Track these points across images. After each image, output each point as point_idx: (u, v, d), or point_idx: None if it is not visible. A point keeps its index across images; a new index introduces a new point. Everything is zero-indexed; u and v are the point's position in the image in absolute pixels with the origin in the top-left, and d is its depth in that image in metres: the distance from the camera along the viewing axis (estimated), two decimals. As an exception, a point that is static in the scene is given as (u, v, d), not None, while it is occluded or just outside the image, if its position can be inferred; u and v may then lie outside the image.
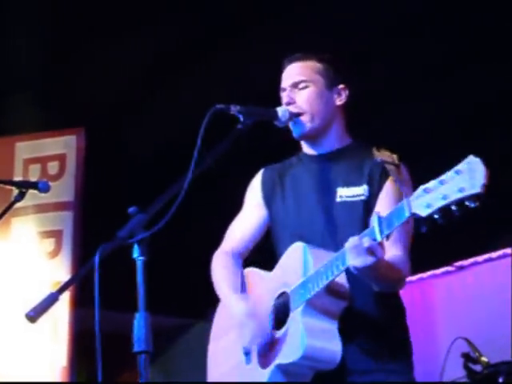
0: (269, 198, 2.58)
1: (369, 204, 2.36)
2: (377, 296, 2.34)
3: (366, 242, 2.06)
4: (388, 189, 2.35)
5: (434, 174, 2.51)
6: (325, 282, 2.20)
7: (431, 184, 1.91)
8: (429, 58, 4.35)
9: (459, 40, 4.20)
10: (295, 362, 2.22)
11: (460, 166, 1.88)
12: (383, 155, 2.04)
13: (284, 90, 2.53)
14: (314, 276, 2.24)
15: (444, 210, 1.89)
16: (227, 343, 2.53)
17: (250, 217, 2.63)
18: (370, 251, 2.06)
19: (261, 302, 2.42)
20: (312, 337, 2.21)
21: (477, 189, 1.84)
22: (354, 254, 2.08)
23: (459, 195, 1.86)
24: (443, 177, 1.90)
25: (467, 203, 1.86)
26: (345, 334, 2.28)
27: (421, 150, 4.33)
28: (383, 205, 2.31)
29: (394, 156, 2.04)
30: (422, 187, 1.93)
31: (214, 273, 2.60)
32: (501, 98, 4.52)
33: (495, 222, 5.27)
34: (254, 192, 2.64)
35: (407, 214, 1.96)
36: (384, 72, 4.38)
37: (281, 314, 2.34)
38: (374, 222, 2.06)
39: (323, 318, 2.24)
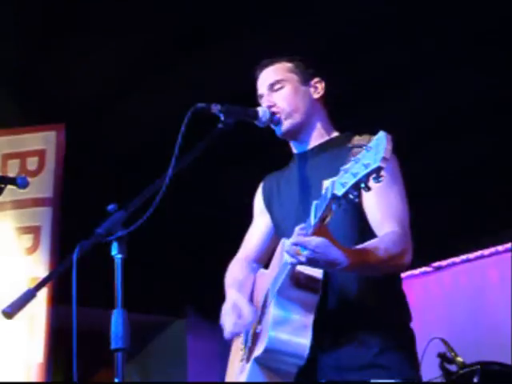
0: (269, 205, 2.65)
1: None
2: (370, 286, 2.34)
3: (295, 235, 2.08)
4: None
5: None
6: (285, 273, 2.22)
7: (349, 164, 1.92)
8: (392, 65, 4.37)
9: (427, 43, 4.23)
10: (263, 355, 2.23)
11: (371, 143, 1.89)
12: (361, 140, 2.04)
13: (261, 96, 2.57)
14: (281, 268, 2.28)
15: (356, 188, 1.90)
16: (236, 347, 2.61)
17: (259, 225, 2.71)
18: (298, 245, 2.07)
19: (258, 301, 2.48)
20: (277, 329, 2.22)
21: (377, 162, 1.84)
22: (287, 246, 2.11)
23: (365, 171, 1.86)
24: (359, 155, 1.90)
25: (373, 180, 1.87)
26: (336, 327, 2.30)
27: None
28: None
29: (372, 138, 2.05)
30: (342, 168, 1.94)
31: (227, 276, 2.69)
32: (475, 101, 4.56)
33: (473, 224, 5.32)
34: (258, 201, 2.72)
35: (329, 196, 1.97)
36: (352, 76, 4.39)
37: (265, 309, 2.37)
38: (312, 208, 2.08)
39: (294, 311, 2.24)
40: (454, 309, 5.75)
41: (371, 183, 1.89)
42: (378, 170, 1.85)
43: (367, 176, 1.87)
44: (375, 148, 1.86)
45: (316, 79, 2.57)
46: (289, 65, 2.56)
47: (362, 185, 1.89)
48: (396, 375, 2.29)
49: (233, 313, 2.43)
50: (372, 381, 2.27)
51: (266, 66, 2.58)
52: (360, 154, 1.90)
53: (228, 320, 2.44)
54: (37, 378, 4.27)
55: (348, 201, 1.94)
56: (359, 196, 1.94)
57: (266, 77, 2.57)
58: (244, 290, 2.56)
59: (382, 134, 1.87)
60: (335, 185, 1.94)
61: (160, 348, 6.79)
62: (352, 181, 1.90)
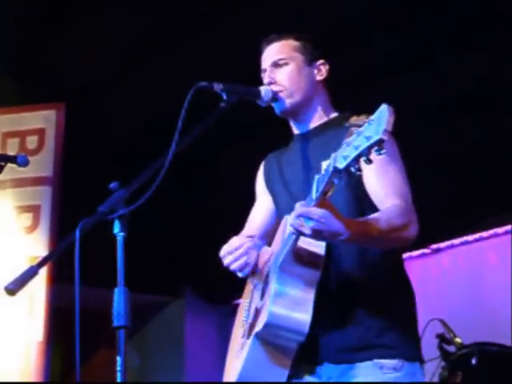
0: (270, 185, 2.66)
1: None
2: (372, 264, 2.35)
3: (298, 208, 2.08)
4: None
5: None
6: (288, 249, 2.22)
7: (352, 137, 1.91)
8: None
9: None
10: (263, 330, 2.24)
11: (372, 116, 1.88)
12: (358, 120, 2.04)
13: (264, 71, 2.56)
14: (283, 244, 2.29)
15: (358, 161, 1.90)
16: (238, 324, 2.61)
17: (261, 205, 2.71)
18: (302, 217, 2.06)
19: (260, 278, 2.48)
20: (279, 304, 2.22)
21: (378, 135, 1.83)
22: (291, 219, 2.11)
23: (367, 143, 1.86)
24: (361, 128, 1.90)
25: (375, 152, 1.86)
26: (337, 306, 2.31)
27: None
28: None
29: (370, 117, 2.05)
30: (344, 141, 1.94)
31: None
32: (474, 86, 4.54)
33: (472, 206, 5.32)
34: (259, 181, 2.73)
35: (331, 169, 1.97)
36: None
37: (266, 285, 2.38)
38: (314, 182, 2.08)
39: (296, 287, 2.24)
40: (452, 290, 5.76)
41: (373, 156, 1.88)
42: (379, 142, 1.84)
43: (369, 148, 1.86)
44: (377, 120, 1.85)
45: (321, 61, 2.56)
46: (296, 43, 2.55)
47: (364, 157, 1.88)
48: (398, 354, 2.30)
49: (231, 245, 2.46)
50: (375, 360, 2.27)
51: (273, 41, 2.57)
52: (363, 126, 1.89)
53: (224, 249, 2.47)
54: (36, 356, 4.29)
55: (350, 174, 1.94)
56: (361, 170, 1.93)
57: (271, 53, 2.55)
58: None
59: (384, 107, 1.86)
60: (337, 158, 1.94)
61: (158, 328, 6.81)
62: (353, 153, 1.89)
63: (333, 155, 1.97)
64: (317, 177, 2.07)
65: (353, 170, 1.91)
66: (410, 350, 2.34)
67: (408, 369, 2.30)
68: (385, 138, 1.83)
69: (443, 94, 4.67)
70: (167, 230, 6.04)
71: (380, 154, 1.86)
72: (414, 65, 4.44)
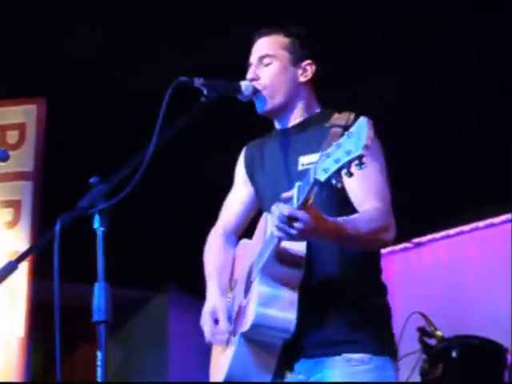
0: (251, 173, 2.65)
1: None
2: (348, 262, 2.37)
3: (284, 209, 2.07)
4: None
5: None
6: (270, 250, 2.23)
7: (331, 148, 1.92)
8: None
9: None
10: (250, 330, 2.25)
11: (352, 128, 1.89)
12: (339, 119, 2.04)
13: (250, 65, 2.56)
14: (265, 244, 2.29)
15: (339, 174, 1.91)
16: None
17: (239, 194, 2.70)
18: (289, 218, 2.06)
19: (242, 273, 2.49)
20: (264, 305, 2.24)
21: (359, 150, 1.85)
22: (273, 222, 2.12)
23: (347, 158, 1.87)
24: (340, 140, 1.91)
25: (355, 166, 1.88)
26: (313, 304, 2.32)
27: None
28: None
29: (351, 116, 2.04)
30: (323, 152, 1.94)
31: (206, 256, 2.69)
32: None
33: (453, 199, 5.35)
34: (239, 169, 2.71)
35: (311, 180, 1.98)
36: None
37: (249, 284, 2.39)
38: (294, 189, 2.08)
39: (279, 287, 2.26)
40: (433, 284, 5.80)
41: (353, 169, 1.89)
42: (360, 157, 1.86)
43: (349, 162, 1.88)
44: (356, 134, 1.86)
45: (307, 61, 2.54)
46: (285, 40, 2.54)
47: (345, 171, 1.89)
48: (366, 349, 2.33)
49: (211, 320, 2.48)
50: (344, 355, 2.31)
51: (263, 35, 2.57)
52: (342, 138, 1.90)
53: (206, 327, 2.49)
54: (17, 352, 4.28)
55: (331, 186, 1.95)
56: (341, 182, 1.95)
57: (259, 47, 2.55)
58: (224, 273, 2.60)
59: (362, 120, 1.87)
60: (317, 170, 1.94)
61: (141, 324, 6.79)
62: (334, 167, 1.90)
63: (312, 166, 1.98)
64: (297, 184, 2.07)
65: (334, 181, 1.93)
66: (380, 346, 2.36)
67: (377, 362, 2.33)
68: (365, 153, 1.84)
69: (420, 90, 4.69)
70: (149, 223, 6.03)
71: (361, 169, 1.88)
72: (389, 62, 4.46)
